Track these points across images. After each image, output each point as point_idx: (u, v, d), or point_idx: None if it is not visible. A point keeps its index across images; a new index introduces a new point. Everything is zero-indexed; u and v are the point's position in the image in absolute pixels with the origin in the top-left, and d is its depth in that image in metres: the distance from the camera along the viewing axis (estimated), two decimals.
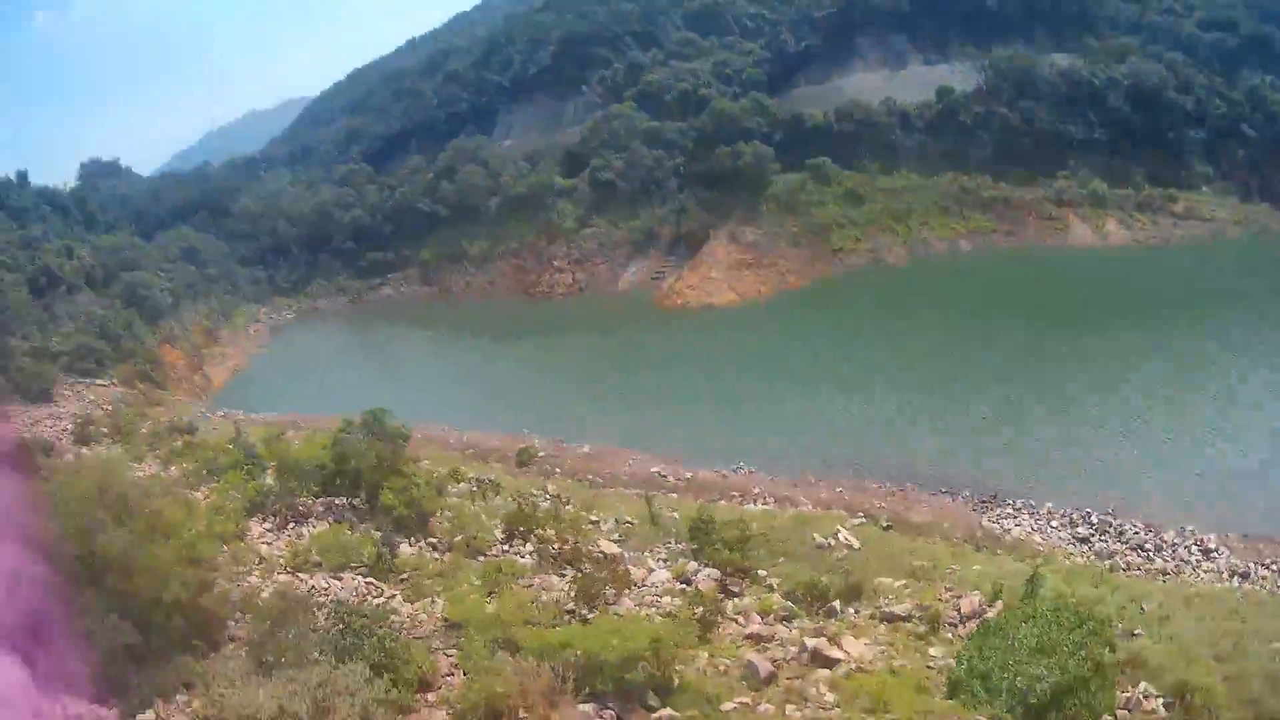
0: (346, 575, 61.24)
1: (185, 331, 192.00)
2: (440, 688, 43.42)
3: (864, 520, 71.69)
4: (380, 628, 44.59)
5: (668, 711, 39.05)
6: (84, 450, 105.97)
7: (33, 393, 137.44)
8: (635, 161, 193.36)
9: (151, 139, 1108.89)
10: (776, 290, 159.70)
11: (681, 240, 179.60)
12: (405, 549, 66.64)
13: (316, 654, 41.68)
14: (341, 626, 43.83)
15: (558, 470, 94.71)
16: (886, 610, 50.61)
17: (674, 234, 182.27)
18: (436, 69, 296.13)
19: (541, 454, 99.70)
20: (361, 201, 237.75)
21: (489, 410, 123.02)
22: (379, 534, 67.11)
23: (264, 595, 52.78)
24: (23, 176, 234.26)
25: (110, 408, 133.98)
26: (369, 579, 60.61)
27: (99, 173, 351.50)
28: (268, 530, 71.97)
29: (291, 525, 72.52)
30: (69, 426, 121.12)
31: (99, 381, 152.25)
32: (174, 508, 65.56)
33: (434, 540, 69.21)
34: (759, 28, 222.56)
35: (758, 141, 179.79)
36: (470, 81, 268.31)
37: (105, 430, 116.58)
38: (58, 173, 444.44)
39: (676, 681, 40.80)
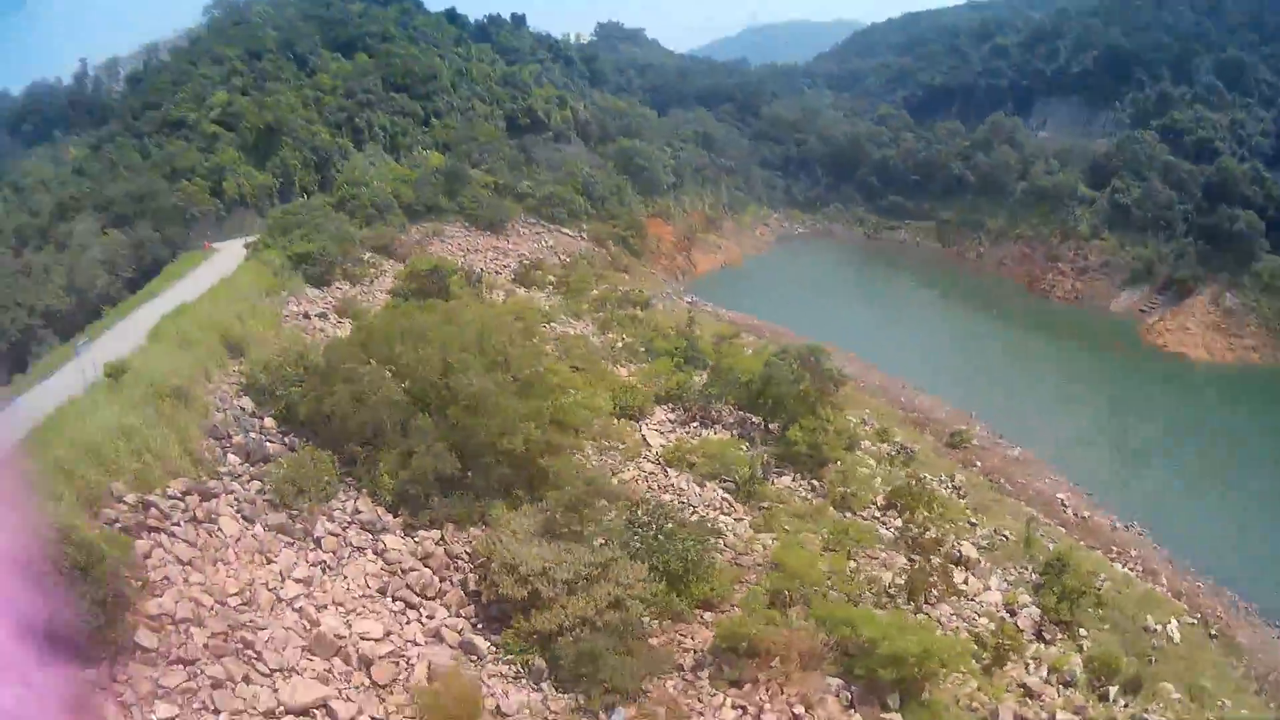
0: (710, 485, 65.10)
1: (682, 212, 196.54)
2: (725, 612, 46.27)
3: (1195, 622, 69.19)
4: (693, 540, 47.77)
5: (896, 717, 40.30)
6: (518, 290, 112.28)
7: (482, 222, 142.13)
8: (1152, 194, 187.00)
9: (687, 20, 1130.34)
10: (1240, 362, 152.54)
11: (1173, 283, 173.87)
12: (783, 481, 69.69)
13: (611, 540, 46.40)
14: (654, 527, 46.60)
15: (978, 463, 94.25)
16: (1146, 717, 50.02)
17: (1169, 275, 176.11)
18: (987, 37, 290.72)
19: (975, 442, 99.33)
20: (895, 144, 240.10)
21: (952, 383, 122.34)
22: (766, 461, 70.00)
23: (608, 478, 56.79)
24: (518, 18, 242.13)
25: (568, 259, 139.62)
26: (727, 496, 64.08)
27: (617, 35, 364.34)
28: (670, 420, 76.64)
29: (695, 424, 76.73)
30: (512, 264, 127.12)
31: (564, 230, 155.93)
32: (583, 375, 73.44)
33: (816, 484, 70.95)
34: (1274, 97, 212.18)
35: (1253, 212, 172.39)
36: (1015, 61, 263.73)
37: (552, 280, 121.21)
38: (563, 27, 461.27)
39: (926, 695, 41.97)
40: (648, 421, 75.01)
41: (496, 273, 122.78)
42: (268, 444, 53.45)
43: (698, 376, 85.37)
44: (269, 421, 56.24)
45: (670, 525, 48.56)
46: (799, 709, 39.74)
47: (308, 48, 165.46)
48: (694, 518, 57.62)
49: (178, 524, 42.84)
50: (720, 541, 55.39)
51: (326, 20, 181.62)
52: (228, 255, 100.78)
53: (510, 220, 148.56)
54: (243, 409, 56.90)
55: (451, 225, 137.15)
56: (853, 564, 56.41)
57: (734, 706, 40.03)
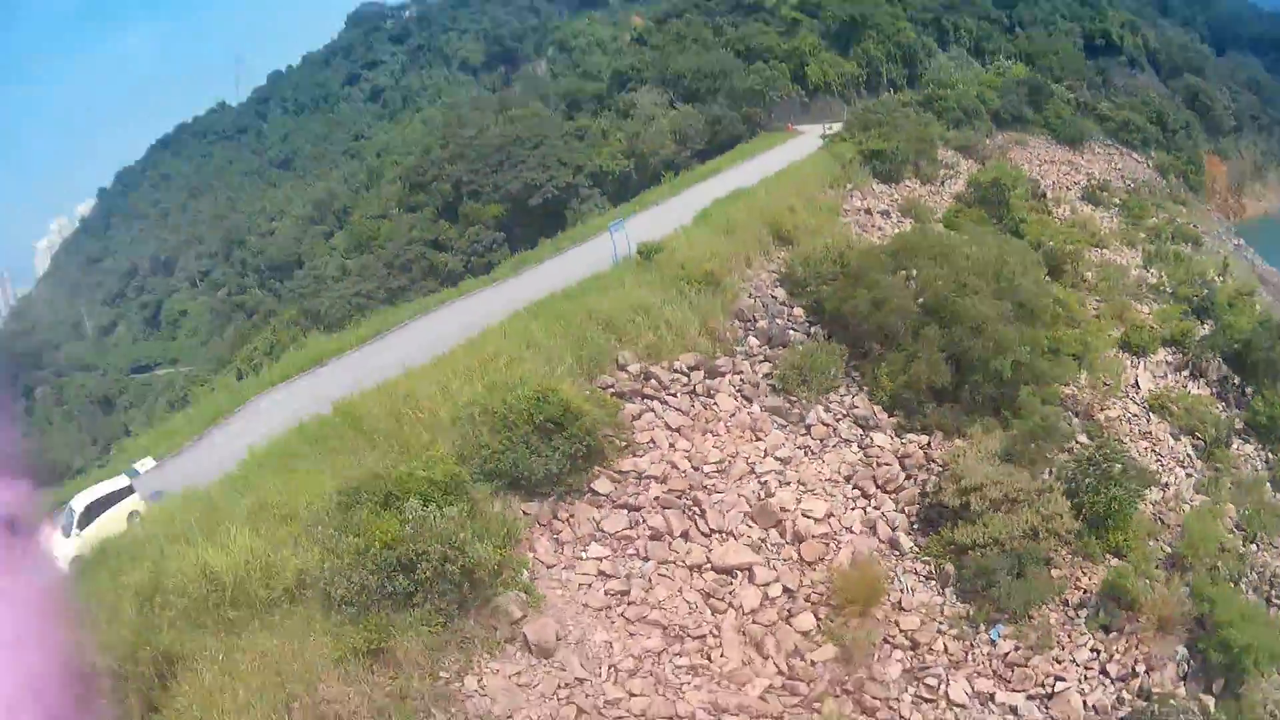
0: (1184, 439, 66.55)
1: (1237, 155, 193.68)
2: (1129, 561, 48.38)
3: None
4: (1134, 486, 49.91)
5: (1212, 701, 42.42)
6: (1084, 208, 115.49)
7: (1062, 137, 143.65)
8: None
9: None
10: None
11: None
12: (1247, 449, 69.77)
13: (1060, 473, 49.27)
14: (1100, 469, 48.86)
15: None
16: None
17: None
18: None
19: None
20: None
21: None
22: (1233, 426, 70.97)
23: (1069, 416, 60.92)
24: None
25: (1132, 184, 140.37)
26: (1191, 453, 65.58)
27: None
28: (1166, 364, 77.96)
29: (1185, 373, 77.56)
30: (1082, 181, 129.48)
31: (1134, 155, 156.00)
32: (1102, 308, 79.23)
33: (1271, 457, 70.25)
34: None
35: None
36: None
37: (1117, 202, 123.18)
38: None
39: (1243, 689, 43.63)
40: (1146, 362, 76.28)
41: (1067, 188, 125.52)
42: (790, 331, 59.17)
43: (1204, 327, 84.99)
44: (798, 312, 61.85)
45: (1117, 469, 48.81)
46: (1140, 667, 41.91)
47: None
48: (1153, 467, 59.45)
49: (674, 394, 48.56)
50: (1160, 494, 57.09)
51: None
52: (808, 139, 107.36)
53: (1088, 139, 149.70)
54: (774, 297, 62.60)
55: (1036, 138, 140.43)
56: (1253, 547, 56.81)
57: (1091, 649, 42.69)
